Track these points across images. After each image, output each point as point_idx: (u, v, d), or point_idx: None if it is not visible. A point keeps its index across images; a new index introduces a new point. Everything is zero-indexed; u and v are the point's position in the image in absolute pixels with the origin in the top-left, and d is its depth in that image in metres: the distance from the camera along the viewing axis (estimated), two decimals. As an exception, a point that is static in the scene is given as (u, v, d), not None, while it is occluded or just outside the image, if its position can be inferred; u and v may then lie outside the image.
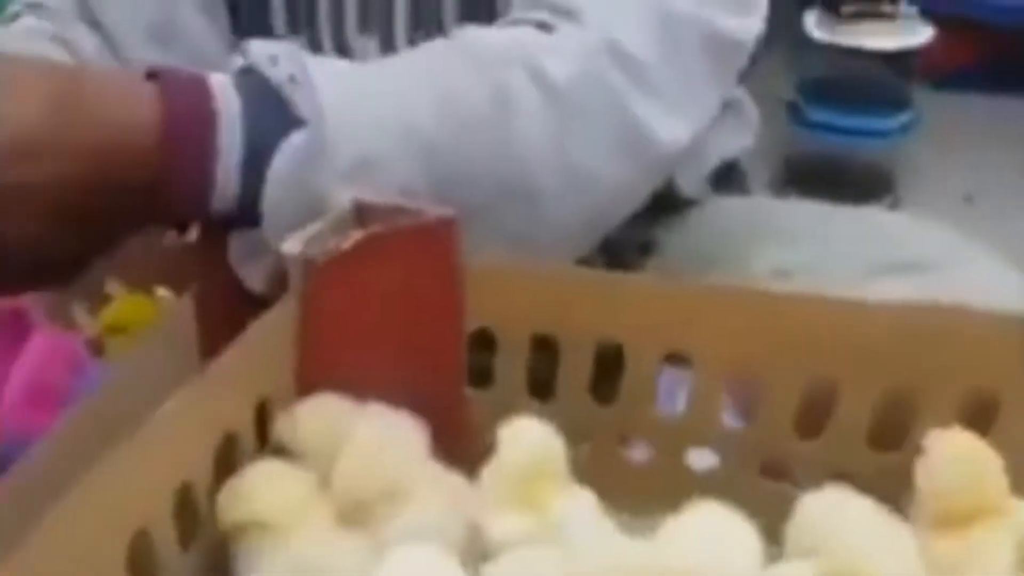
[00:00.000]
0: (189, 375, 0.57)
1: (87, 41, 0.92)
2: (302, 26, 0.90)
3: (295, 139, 0.65)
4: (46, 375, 0.68)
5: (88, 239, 0.64)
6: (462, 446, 0.61)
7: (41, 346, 0.69)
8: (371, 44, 0.88)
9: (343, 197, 0.63)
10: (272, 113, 0.65)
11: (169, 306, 0.78)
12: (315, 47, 0.89)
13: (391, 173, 0.66)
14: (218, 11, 0.92)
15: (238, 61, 0.68)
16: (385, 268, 0.61)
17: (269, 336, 0.59)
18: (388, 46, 0.88)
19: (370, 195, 0.64)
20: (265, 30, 0.91)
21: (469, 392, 0.66)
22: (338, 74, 0.68)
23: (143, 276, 0.77)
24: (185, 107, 0.64)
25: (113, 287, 0.78)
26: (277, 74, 0.66)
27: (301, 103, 0.65)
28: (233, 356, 0.56)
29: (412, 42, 0.87)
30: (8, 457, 0.59)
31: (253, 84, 0.66)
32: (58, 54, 0.90)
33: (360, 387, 0.60)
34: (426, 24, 0.87)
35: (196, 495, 0.54)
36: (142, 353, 0.59)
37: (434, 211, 0.62)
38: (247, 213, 0.66)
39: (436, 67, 0.70)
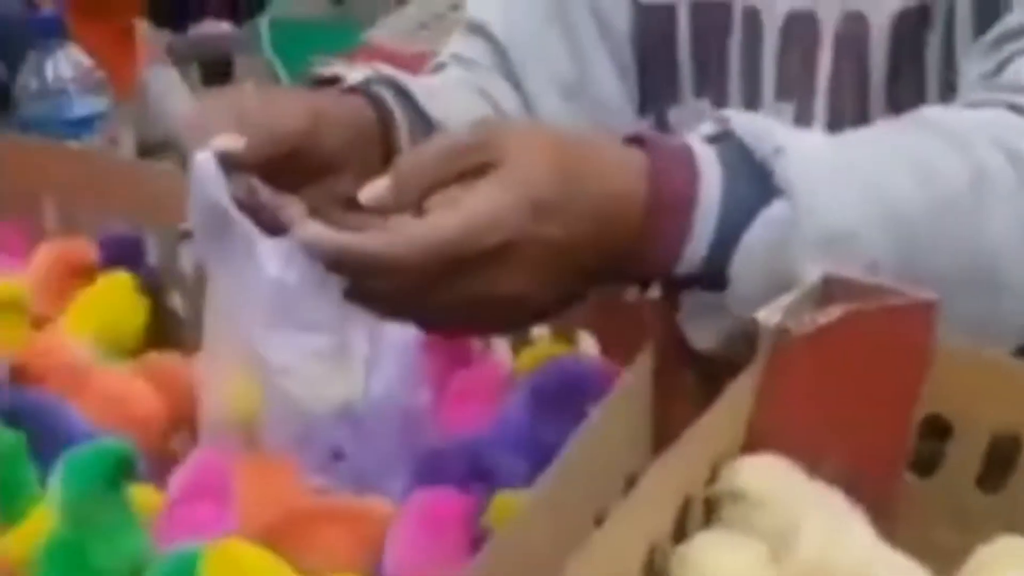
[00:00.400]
0: (644, 426, 0.58)
1: (507, 96, 0.95)
2: (711, 90, 0.91)
3: (774, 210, 0.65)
4: (471, 391, 0.75)
5: (566, 295, 0.66)
6: (891, 531, 0.59)
7: (474, 370, 0.76)
8: (787, 110, 0.87)
9: (812, 269, 0.62)
10: (751, 186, 0.66)
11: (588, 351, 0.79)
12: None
13: (863, 248, 0.65)
14: (628, 72, 0.94)
15: (711, 127, 0.69)
16: (856, 345, 0.60)
17: (733, 402, 0.59)
18: (805, 113, 0.87)
19: (835, 268, 0.63)
20: (672, 91, 0.92)
21: (909, 478, 0.64)
22: (815, 147, 0.68)
23: (568, 319, 0.78)
24: (670, 182, 0.65)
25: (538, 329, 0.79)
26: (762, 147, 0.66)
27: (780, 175, 0.65)
28: (705, 419, 0.56)
29: (833, 110, 0.86)
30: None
31: (735, 155, 0.66)
32: (483, 107, 0.93)
33: (803, 459, 0.59)
34: (850, 91, 0.85)
35: (657, 555, 0.55)
36: (609, 408, 0.60)
37: (914, 292, 0.60)
38: (711, 277, 0.66)
39: (912, 144, 0.68)
